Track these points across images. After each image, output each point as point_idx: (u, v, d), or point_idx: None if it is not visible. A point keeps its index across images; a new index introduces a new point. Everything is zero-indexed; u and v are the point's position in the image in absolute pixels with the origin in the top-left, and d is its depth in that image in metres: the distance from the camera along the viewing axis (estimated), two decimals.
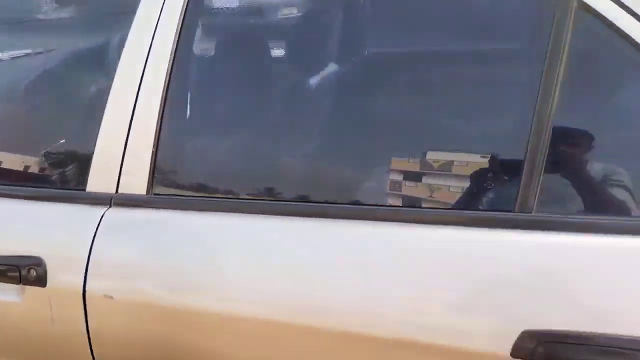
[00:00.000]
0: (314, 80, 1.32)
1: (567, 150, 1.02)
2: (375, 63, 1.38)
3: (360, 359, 1.06)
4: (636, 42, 0.97)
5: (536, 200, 1.00)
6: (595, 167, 1.02)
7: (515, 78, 1.11)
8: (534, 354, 0.95)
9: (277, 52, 1.52)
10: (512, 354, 0.96)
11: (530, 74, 1.03)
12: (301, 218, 1.13)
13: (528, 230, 1.00)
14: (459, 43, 1.21)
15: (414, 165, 1.12)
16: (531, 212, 1.01)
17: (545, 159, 1.00)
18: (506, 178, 1.06)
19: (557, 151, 1.01)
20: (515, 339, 0.96)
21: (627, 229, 0.95)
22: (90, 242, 1.25)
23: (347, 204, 1.14)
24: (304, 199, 1.18)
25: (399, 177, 1.11)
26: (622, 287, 0.93)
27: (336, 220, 1.11)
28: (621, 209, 1.00)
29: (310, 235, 1.11)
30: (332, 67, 1.32)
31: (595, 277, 0.95)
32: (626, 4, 0.98)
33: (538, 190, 1.00)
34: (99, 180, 1.29)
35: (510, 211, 1.02)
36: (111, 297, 1.23)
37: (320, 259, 1.10)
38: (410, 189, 1.12)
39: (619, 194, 0.99)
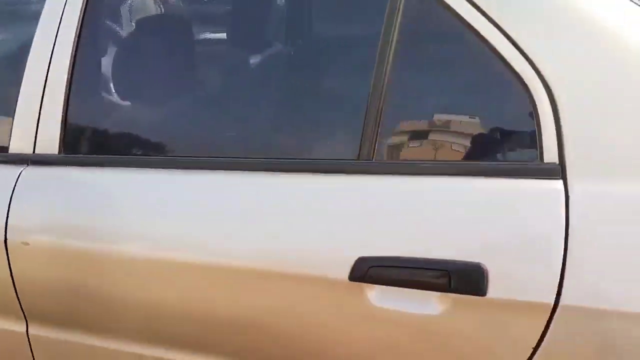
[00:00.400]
0: (198, 51, 1.49)
1: (399, 107, 1.19)
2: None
3: (228, 287, 1.24)
4: (457, 13, 1.14)
5: (375, 150, 1.18)
6: (421, 121, 1.19)
7: (360, 48, 1.28)
8: (366, 276, 1.13)
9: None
10: (350, 278, 1.14)
11: (370, 45, 1.19)
12: (187, 170, 1.31)
13: (369, 175, 1.18)
14: (312, 23, 1.38)
15: (280, 123, 1.30)
16: (371, 160, 1.18)
17: (381, 117, 1.17)
18: (352, 133, 1.23)
19: (391, 109, 1.18)
20: (352, 264, 1.14)
21: (444, 170, 1.13)
22: (9, 198, 1.43)
23: (228, 157, 1.31)
24: (190, 154, 1.36)
25: (265, 132, 1.29)
26: (428, 219, 1.11)
27: (219, 171, 1.29)
28: (443, 155, 1.17)
29: (194, 185, 1.29)
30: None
31: (412, 211, 1.13)
32: None
33: (376, 142, 1.18)
34: (19, 142, 1.47)
35: (354, 159, 1.20)
36: (27, 244, 1.40)
37: (203, 204, 1.27)
38: (279, 142, 1.30)
39: (442, 142, 1.18)
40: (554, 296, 1.03)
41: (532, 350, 1.06)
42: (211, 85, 1.43)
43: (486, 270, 1.06)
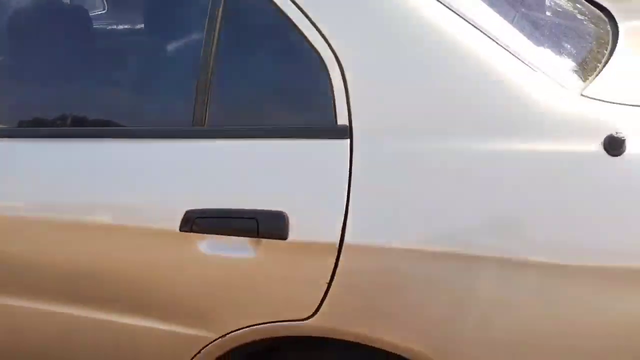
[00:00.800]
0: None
1: (225, 81, 1.37)
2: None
3: (77, 242, 1.42)
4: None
5: (206, 117, 1.35)
6: (244, 92, 1.37)
7: (191, 30, 1.46)
8: (193, 226, 1.31)
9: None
10: (180, 229, 1.32)
11: (200, 27, 1.37)
12: (37, 139, 1.49)
13: (202, 139, 1.36)
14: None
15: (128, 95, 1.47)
16: (204, 126, 1.36)
17: (210, 89, 1.34)
18: (187, 104, 1.40)
19: (218, 83, 1.35)
20: (182, 217, 1.31)
21: (260, 134, 1.31)
22: None
23: (79, 127, 1.50)
24: (38, 124, 1.54)
25: (117, 104, 1.47)
26: (244, 175, 1.29)
27: (69, 138, 1.46)
28: (263, 121, 1.35)
29: (45, 151, 1.46)
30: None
31: (231, 169, 1.31)
32: None
33: (207, 111, 1.35)
34: None
35: (190, 125, 1.37)
36: None
37: (56, 168, 1.44)
38: (128, 113, 1.48)
39: (261, 110, 1.36)
40: (339, 237, 1.21)
41: (327, 285, 1.25)
42: (62, 62, 1.58)
43: (287, 216, 1.24)
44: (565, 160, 1.13)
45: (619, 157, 1.09)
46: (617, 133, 1.09)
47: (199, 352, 1.42)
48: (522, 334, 1.16)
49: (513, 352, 1.18)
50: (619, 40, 1.54)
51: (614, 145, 1.09)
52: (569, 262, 1.11)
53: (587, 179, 1.11)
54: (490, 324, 1.17)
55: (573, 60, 1.37)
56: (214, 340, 1.39)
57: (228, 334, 1.37)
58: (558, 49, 1.41)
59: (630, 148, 1.09)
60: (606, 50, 1.48)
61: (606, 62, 1.39)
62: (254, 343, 1.40)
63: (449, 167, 1.18)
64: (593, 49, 1.46)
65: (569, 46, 1.46)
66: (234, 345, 1.39)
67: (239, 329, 1.35)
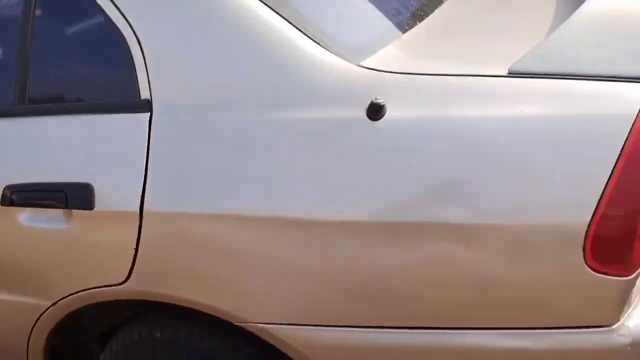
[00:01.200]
0: None
1: (42, 62, 1.43)
2: None
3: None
4: None
5: (27, 96, 1.42)
6: (60, 72, 1.44)
7: (10, 11, 1.51)
8: (12, 200, 1.38)
9: None
10: (1, 203, 1.39)
11: (18, 7, 1.43)
12: None
13: (20, 117, 1.43)
14: None
15: None
16: (25, 104, 1.42)
17: (29, 70, 1.41)
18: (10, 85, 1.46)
19: (36, 64, 1.42)
20: (1, 192, 1.38)
21: (73, 110, 1.39)
22: None
23: None
24: None
25: None
26: (55, 151, 1.37)
27: None
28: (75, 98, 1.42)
29: None
30: None
31: (46, 145, 1.39)
32: None
33: (27, 90, 1.42)
34: None
35: (13, 105, 1.44)
36: None
37: None
38: None
39: (71, 88, 1.43)
40: (139, 205, 1.29)
41: (134, 251, 1.32)
42: None
43: (93, 188, 1.31)
44: (334, 126, 1.21)
45: (378, 121, 1.18)
46: (376, 99, 1.17)
47: (39, 318, 1.49)
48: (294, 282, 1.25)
49: (302, 304, 1.27)
50: (434, 12, 1.61)
51: (374, 111, 1.17)
52: (340, 218, 1.19)
53: (351, 143, 1.20)
54: (278, 280, 1.26)
55: (369, 32, 1.44)
56: (48, 308, 1.46)
57: (58, 301, 1.44)
58: (359, 21, 1.47)
59: (390, 113, 1.18)
60: (419, 21, 1.55)
61: (404, 33, 1.46)
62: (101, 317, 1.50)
63: (232, 137, 1.25)
64: (403, 22, 1.53)
65: (371, 19, 1.52)
66: (66, 312, 1.47)
67: (66, 297, 1.43)
